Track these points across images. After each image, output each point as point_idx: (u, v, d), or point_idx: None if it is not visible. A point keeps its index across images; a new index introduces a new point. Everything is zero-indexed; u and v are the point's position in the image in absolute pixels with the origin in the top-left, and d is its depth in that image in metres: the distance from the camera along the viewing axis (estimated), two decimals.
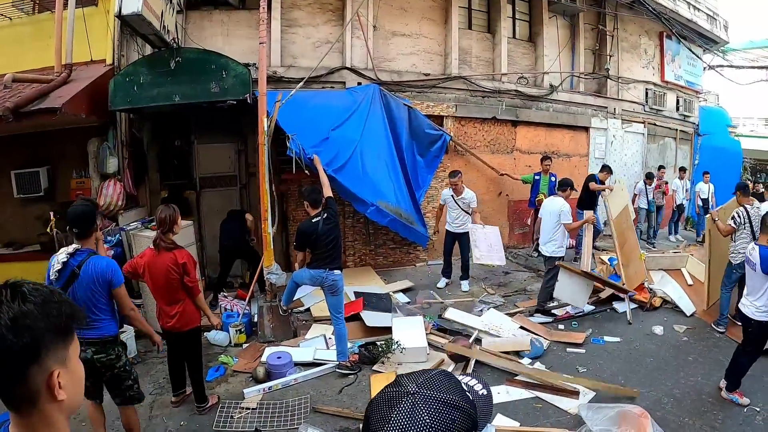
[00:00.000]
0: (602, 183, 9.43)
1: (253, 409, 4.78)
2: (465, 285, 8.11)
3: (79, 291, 3.52)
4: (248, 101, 6.84)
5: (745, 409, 4.74)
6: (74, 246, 3.64)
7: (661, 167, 12.34)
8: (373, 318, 6.32)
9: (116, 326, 3.79)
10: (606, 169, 9.86)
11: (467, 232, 7.78)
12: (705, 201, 12.86)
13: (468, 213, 7.77)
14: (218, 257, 7.90)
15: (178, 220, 4.51)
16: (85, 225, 3.70)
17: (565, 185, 7.28)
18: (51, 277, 3.50)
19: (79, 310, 1.21)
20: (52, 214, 6.37)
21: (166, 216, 4.39)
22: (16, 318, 1.05)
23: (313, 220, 5.28)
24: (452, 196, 7.74)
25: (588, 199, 9.25)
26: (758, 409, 4.73)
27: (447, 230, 8.01)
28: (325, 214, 5.31)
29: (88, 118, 6.60)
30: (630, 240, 7.86)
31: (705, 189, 12.90)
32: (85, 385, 3.26)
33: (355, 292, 7.08)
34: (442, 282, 8.23)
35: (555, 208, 7.00)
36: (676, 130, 14.55)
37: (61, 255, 3.55)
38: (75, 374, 1.18)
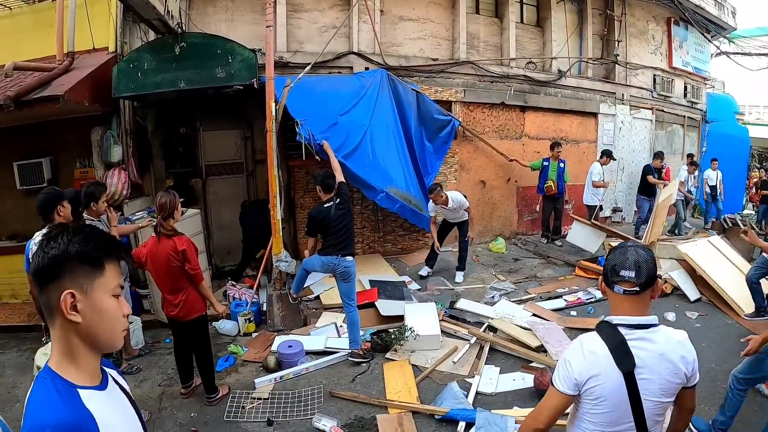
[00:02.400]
0: (656, 170, 10.84)
1: (264, 399, 4.73)
2: (459, 276, 7.82)
3: None
4: (254, 86, 6.73)
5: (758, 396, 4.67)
6: (47, 228, 3.96)
7: (656, 154, 12.15)
8: (387, 307, 6.25)
9: None
10: (659, 156, 11.15)
11: (466, 220, 7.72)
12: (713, 188, 12.79)
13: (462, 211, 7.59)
14: (223, 246, 7.88)
15: (179, 206, 4.45)
16: (45, 211, 4.24)
17: (604, 154, 10.04)
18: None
19: (117, 248, 1.38)
20: None
21: (166, 201, 4.32)
22: (49, 239, 1.29)
23: (325, 206, 5.19)
24: (438, 207, 7.47)
25: (648, 187, 10.66)
26: None
27: (444, 219, 7.86)
28: (338, 200, 5.21)
29: (91, 106, 6.55)
30: (660, 216, 8.57)
31: (713, 176, 12.81)
32: None
33: (370, 281, 7.02)
34: (424, 270, 7.93)
35: (590, 169, 9.84)
36: (684, 116, 14.40)
37: (37, 238, 3.92)
38: (98, 305, 1.31)
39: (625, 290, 1.93)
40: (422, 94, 8.54)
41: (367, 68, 8.44)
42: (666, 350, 1.93)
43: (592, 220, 9.13)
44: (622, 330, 1.95)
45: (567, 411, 2.13)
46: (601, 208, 10.17)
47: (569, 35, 11.03)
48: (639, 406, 1.91)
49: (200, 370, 4.69)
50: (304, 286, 6.11)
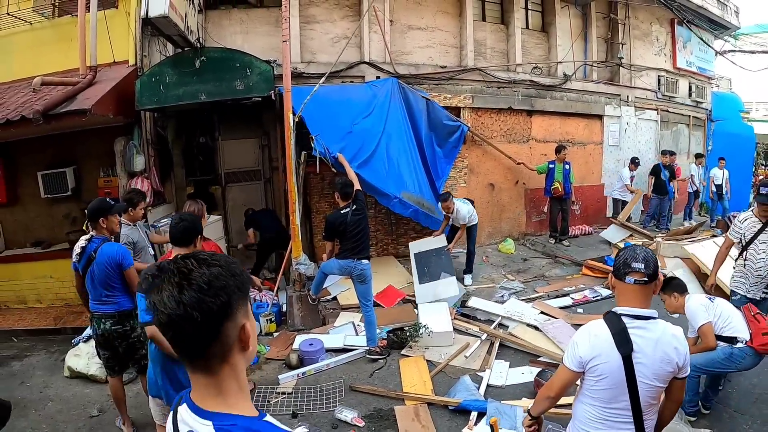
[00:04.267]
0: (666, 167, 11.47)
1: (288, 393, 4.97)
2: (468, 279, 7.99)
3: (97, 271, 4.06)
4: (272, 98, 6.98)
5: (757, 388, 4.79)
6: (91, 234, 4.21)
7: (663, 152, 12.29)
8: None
9: (130, 302, 4.18)
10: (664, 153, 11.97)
11: (474, 225, 7.88)
12: (719, 187, 12.82)
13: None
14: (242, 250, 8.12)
15: (205, 213, 4.75)
16: (93, 216, 4.21)
17: (632, 162, 11.25)
18: (73, 259, 4.14)
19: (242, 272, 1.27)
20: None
21: (194, 210, 4.61)
22: (210, 281, 1.13)
23: (342, 211, 5.43)
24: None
25: (660, 186, 11.32)
26: None
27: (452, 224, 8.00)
28: (354, 206, 5.46)
29: (114, 118, 6.73)
30: None
31: (719, 175, 12.85)
32: (106, 358, 3.97)
33: (415, 254, 7.38)
34: None
35: (621, 173, 11.26)
36: (689, 116, 14.50)
37: (81, 242, 4.15)
38: (253, 324, 1.26)
39: (636, 280, 2.22)
40: (432, 101, 8.79)
41: (378, 77, 8.70)
42: (661, 340, 2.22)
43: (625, 221, 10.25)
44: (625, 319, 2.25)
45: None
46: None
47: (574, 39, 11.23)
48: (634, 387, 2.21)
49: None
50: (322, 287, 6.37)
